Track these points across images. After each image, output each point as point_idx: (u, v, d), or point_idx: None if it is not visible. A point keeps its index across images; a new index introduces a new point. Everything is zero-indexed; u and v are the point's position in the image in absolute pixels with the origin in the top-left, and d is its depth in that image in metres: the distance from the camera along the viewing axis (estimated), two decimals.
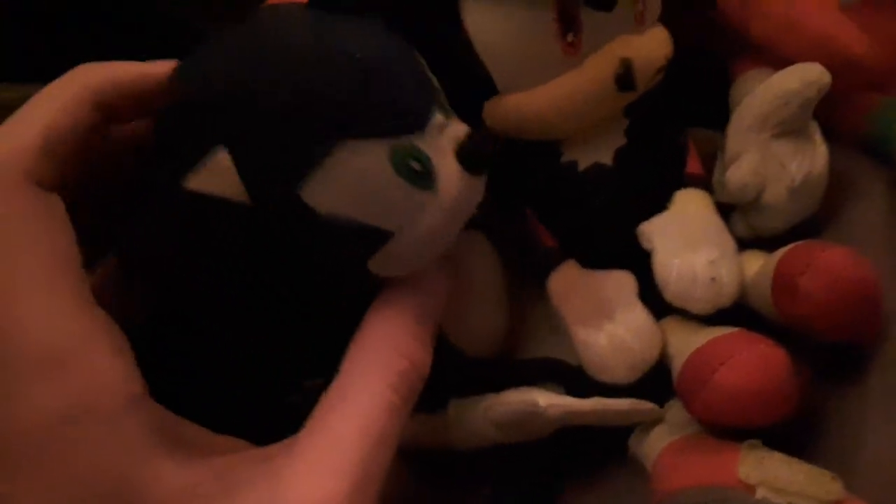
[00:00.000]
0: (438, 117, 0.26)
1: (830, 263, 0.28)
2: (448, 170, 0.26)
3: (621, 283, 0.33)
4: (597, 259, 0.34)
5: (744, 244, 0.34)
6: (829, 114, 0.37)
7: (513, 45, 0.31)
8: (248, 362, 0.29)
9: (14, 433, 0.20)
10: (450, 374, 0.31)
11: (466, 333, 0.32)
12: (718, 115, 0.38)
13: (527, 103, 0.32)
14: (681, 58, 0.35)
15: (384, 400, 0.24)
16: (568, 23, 0.31)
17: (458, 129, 0.27)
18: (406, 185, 0.25)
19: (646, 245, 0.33)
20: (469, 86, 0.32)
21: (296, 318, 0.29)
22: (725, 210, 0.35)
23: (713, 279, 0.31)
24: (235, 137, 0.23)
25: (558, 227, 0.35)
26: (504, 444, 0.32)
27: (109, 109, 0.24)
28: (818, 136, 0.35)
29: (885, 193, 0.36)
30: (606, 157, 0.34)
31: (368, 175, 0.24)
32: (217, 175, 0.23)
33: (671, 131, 0.36)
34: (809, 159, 0.33)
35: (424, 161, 0.25)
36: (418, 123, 0.25)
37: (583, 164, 0.34)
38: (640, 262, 0.33)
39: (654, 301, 0.33)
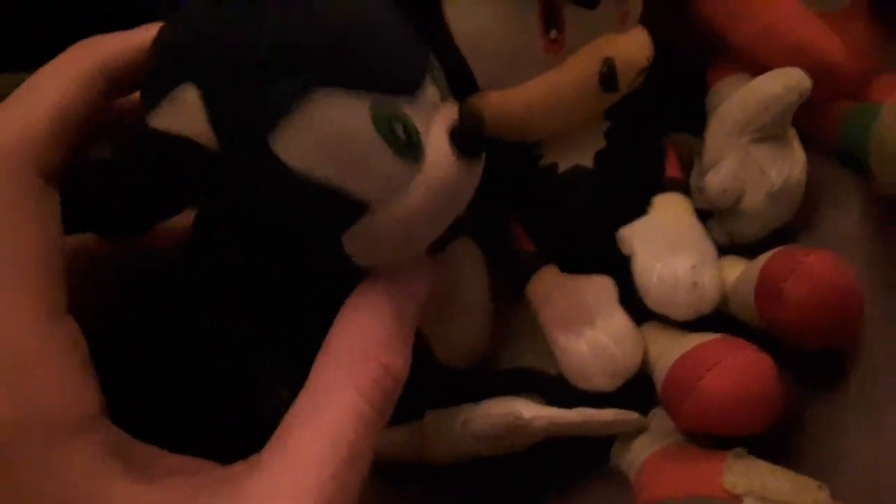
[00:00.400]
0: (432, 91, 0.24)
1: (815, 268, 0.27)
2: (438, 147, 0.23)
3: (601, 288, 0.32)
4: (577, 263, 0.33)
5: (721, 250, 0.34)
6: (805, 121, 0.38)
7: (495, 41, 0.30)
8: (217, 355, 0.27)
9: None
10: (426, 385, 0.30)
11: (449, 343, 0.31)
12: (695, 120, 0.37)
13: (508, 101, 0.31)
14: (659, 61, 0.35)
15: (356, 410, 0.22)
16: (551, 19, 0.30)
17: (453, 111, 0.25)
18: (389, 151, 0.22)
19: (626, 250, 0.33)
20: (452, 82, 0.31)
21: (270, 305, 0.26)
22: (703, 216, 0.35)
23: (695, 284, 0.30)
24: (205, 76, 0.21)
25: (538, 230, 0.34)
26: (483, 456, 0.31)
27: (118, 83, 0.23)
28: (796, 143, 0.35)
29: (859, 202, 0.36)
30: (587, 160, 0.33)
31: (346, 131, 0.22)
32: (182, 112, 0.21)
33: (651, 135, 0.36)
34: (788, 165, 0.33)
35: (411, 128, 0.23)
36: (406, 87, 0.23)
37: (563, 167, 0.33)
38: (620, 267, 0.33)
39: (635, 307, 0.32)
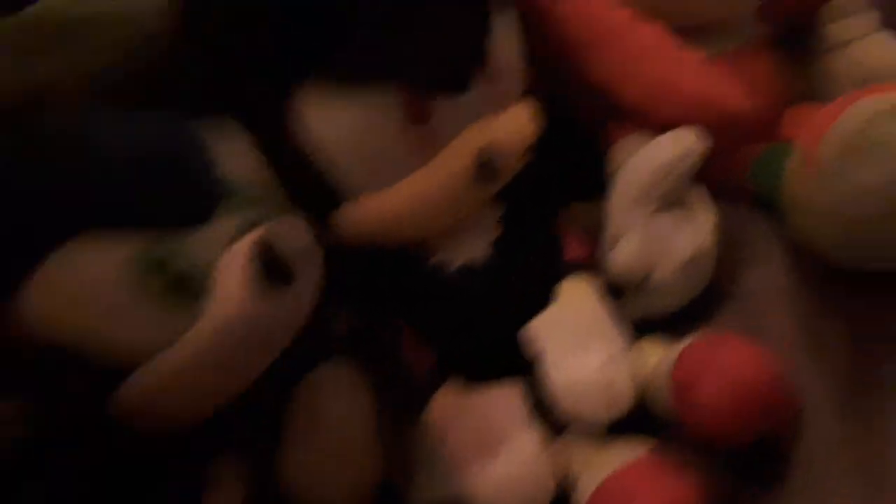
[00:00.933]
0: (230, 220, 0.22)
1: (727, 367, 0.25)
2: (231, 283, 0.21)
3: (508, 402, 0.29)
4: (482, 367, 0.30)
5: (639, 326, 0.32)
6: (715, 171, 0.35)
7: (359, 144, 0.27)
8: None
9: None
10: None
11: (324, 487, 0.27)
12: (597, 185, 0.35)
13: (381, 207, 0.28)
14: (556, 128, 0.32)
15: None
16: (417, 113, 0.27)
17: (257, 237, 0.22)
18: (151, 303, 0.20)
19: (532, 351, 0.29)
20: (316, 191, 0.28)
21: None
22: (616, 290, 0.32)
23: (608, 385, 0.27)
24: None
25: (436, 337, 0.31)
26: None
27: None
28: (703, 205, 0.32)
29: (781, 255, 0.33)
30: (480, 252, 0.31)
31: (102, 280, 0.20)
32: None
33: (551, 211, 0.33)
34: (695, 232, 0.31)
35: (186, 269, 0.21)
36: (184, 221, 0.21)
37: (455, 264, 0.30)
38: (529, 366, 0.29)
39: (546, 409, 0.29)
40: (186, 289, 0.21)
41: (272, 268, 0.22)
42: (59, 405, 0.22)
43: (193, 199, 0.22)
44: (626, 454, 0.27)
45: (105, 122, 0.23)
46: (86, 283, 0.20)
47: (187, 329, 0.21)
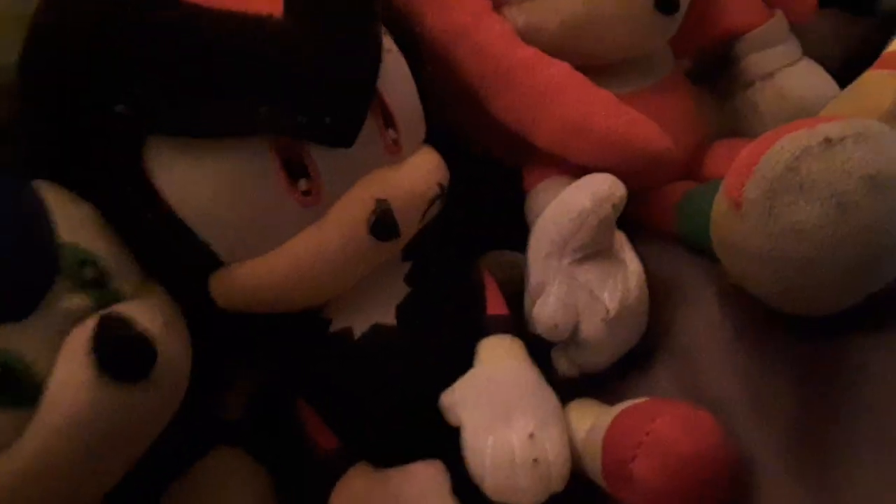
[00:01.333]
0: (69, 300, 0.19)
1: (662, 439, 0.22)
2: (70, 376, 0.18)
3: (426, 483, 0.25)
4: (394, 447, 0.27)
5: (571, 383, 0.29)
6: (641, 211, 0.33)
7: (232, 207, 0.24)
8: None
9: None
10: None
11: None
12: (516, 232, 0.32)
13: (261, 272, 0.24)
14: (473, 173, 0.29)
15: None
16: (297, 169, 0.24)
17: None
18: None
19: (452, 421, 0.26)
20: (183, 258, 0.24)
21: None
22: (545, 346, 0.29)
23: (536, 461, 0.24)
24: None
25: (341, 415, 0.27)
26: None
27: None
28: (627, 253, 0.30)
29: (716, 296, 0.31)
30: (387, 316, 0.27)
31: None
32: None
33: (464, 265, 0.30)
34: (622, 283, 0.28)
35: (13, 365, 0.18)
36: (8, 311, 0.18)
37: (359, 330, 0.27)
38: (449, 440, 0.26)
39: (469, 489, 0.25)
40: (15, 386, 0.18)
41: (119, 358, 0.18)
42: None
43: (20, 280, 0.19)
44: None
45: None
46: None
47: (19, 434, 0.18)
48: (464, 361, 0.27)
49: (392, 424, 0.27)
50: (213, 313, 0.25)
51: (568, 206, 0.27)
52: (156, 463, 0.22)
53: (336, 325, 0.27)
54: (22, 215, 0.20)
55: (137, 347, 0.19)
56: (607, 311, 0.27)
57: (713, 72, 0.40)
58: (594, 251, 0.28)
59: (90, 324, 0.19)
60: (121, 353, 0.19)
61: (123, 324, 0.19)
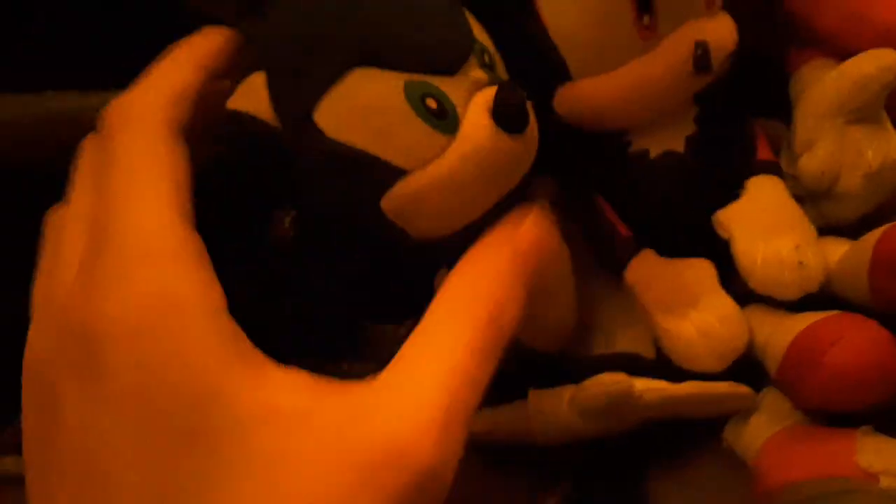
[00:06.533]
0: (476, 72, 0.26)
1: (854, 343, 0.27)
2: (477, 121, 0.25)
3: (702, 270, 0.32)
4: (672, 248, 0.33)
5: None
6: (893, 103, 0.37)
7: (589, 30, 0.30)
8: (275, 328, 0.28)
9: (113, 317, 0.21)
10: (521, 368, 0.30)
11: (533, 324, 0.31)
12: (778, 105, 0.37)
13: (601, 89, 0.31)
14: (742, 48, 0.35)
15: (471, 343, 0.23)
16: (644, 5, 0.30)
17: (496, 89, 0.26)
18: (420, 122, 0.25)
19: (724, 234, 0.32)
20: (543, 71, 0.31)
21: (328, 278, 0.28)
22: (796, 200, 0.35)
23: (800, 263, 0.30)
24: (267, 62, 0.26)
25: (632, 216, 0.34)
26: (586, 436, 0.30)
27: (219, 70, 0.27)
28: (889, 124, 0.34)
29: None
30: (677, 145, 0.33)
31: (379, 104, 0.25)
32: (250, 94, 0.25)
33: (741, 118, 0.35)
34: (885, 145, 0.33)
35: (443, 101, 0.25)
36: (443, 67, 0.26)
37: (654, 153, 0.33)
38: (716, 251, 0.32)
39: (734, 291, 0.32)
40: (444, 119, 0.25)
41: (511, 113, 0.25)
42: (338, 197, 0.26)
43: (451, 47, 0.26)
44: (817, 316, 0.29)
45: None
46: (370, 103, 0.25)
47: (444, 149, 0.25)
48: (735, 190, 0.33)
49: (674, 231, 0.33)
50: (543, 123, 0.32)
51: (852, 71, 0.32)
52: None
53: (636, 146, 0.33)
54: (453, 5, 0.27)
55: (521, 109, 0.25)
56: (869, 167, 0.32)
57: None
58: (865, 115, 0.33)
59: (491, 90, 0.25)
60: (510, 112, 0.25)
61: (514, 91, 0.25)
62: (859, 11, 0.35)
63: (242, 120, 0.25)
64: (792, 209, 0.33)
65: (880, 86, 0.32)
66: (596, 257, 0.34)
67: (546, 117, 0.31)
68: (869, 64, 0.32)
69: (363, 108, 0.25)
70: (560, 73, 0.32)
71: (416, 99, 0.25)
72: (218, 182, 0.28)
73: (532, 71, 0.31)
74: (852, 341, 0.26)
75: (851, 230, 0.34)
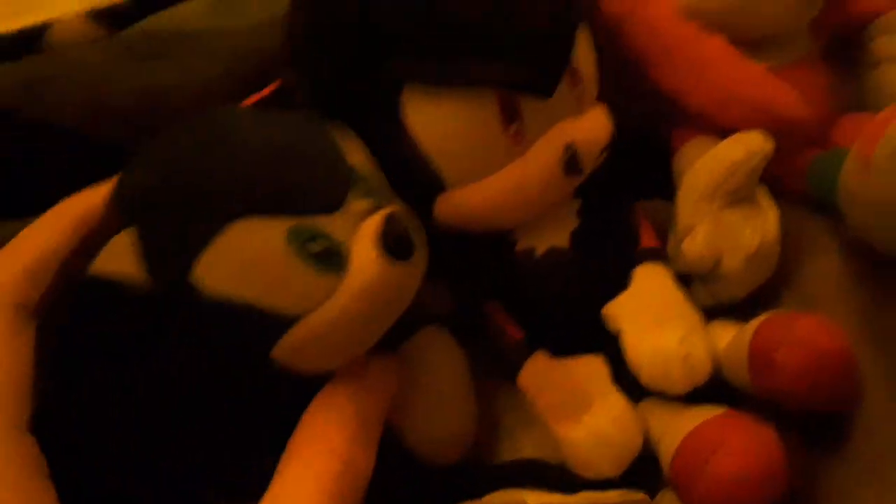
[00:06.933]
0: (359, 203, 0.26)
1: (806, 335, 0.27)
2: (364, 255, 0.25)
3: (594, 369, 0.32)
4: (567, 344, 0.33)
5: (708, 312, 0.34)
6: (772, 171, 0.38)
7: (458, 140, 0.30)
8: (153, 476, 0.27)
9: None
10: (416, 483, 0.30)
11: (427, 435, 0.31)
12: (663, 184, 0.38)
13: (477, 198, 0.31)
14: (623, 131, 0.35)
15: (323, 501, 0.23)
16: (510, 113, 0.30)
17: (381, 217, 0.26)
18: (306, 268, 0.24)
19: (613, 328, 0.32)
20: (417, 182, 0.31)
21: (207, 425, 0.27)
22: (685, 279, 0.35)
23: (686, 357, 0.30)
24: (140, 219, 0.24)
25: (523, 315, 0.34)
26: None
27: (93, 231, 0.26)
28: (766, 200, 0.35)
29: (838, 250, 0.36)
30: (562, 240, 0.34)
31: (263, 255, 0.24)
32: (116, 256, 0.24)
33: (623, 206, 0.36)
34: (761, 226, 0.33)
35: (328, 241, 0.25)
36: (325, 206, 0.25)
37: (540, 250, 0.33)
38: (609, 343, 0.32)
39: (630, 383, 0.32)
40: (330, 260, 0.25)
41: (397, 241, 0.25)
42: (230, 352, 0.25)
43: (331, 185, 0.26)
44: (705, 414, 0.29)
45: (247, 119, 0.27)
46: (253, 255, 0.24)
47: (333, 292, 0.25)
48: (622, 281, 0.34)
49: (565, 326, 0.33)
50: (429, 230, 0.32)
51: (722, 157, 0.33)
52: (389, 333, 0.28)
53: (522, 245, 0.33)
54: (330, 141, 0.28)
55: (406, 236, 0.26)
56: (748, 249, 0.33)
57: (844, 51, 0.44)
58: (739, 197, 0.33)
59: (380, 215, 0.26)
60: (399, 238, 0.25)
61: (398, 219, 0.26)
62: (728, 89, 0.36)
63: (105, 286, 0.24)
64: (677, 298, 0.33)
65: (750, 170, 0.33)
66: (493, 361, 0.34)
67: (431, 224, 0.31)
68: (737, 149, 0.33)
69: (246, 260, 0.24)
70: (435, 183, 0.31)
71: (301, 244, 0.24)
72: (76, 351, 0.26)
73: (410, 183, 0.31)
74: (734, 448, 0.26)
75: (743, 307, 0.35)
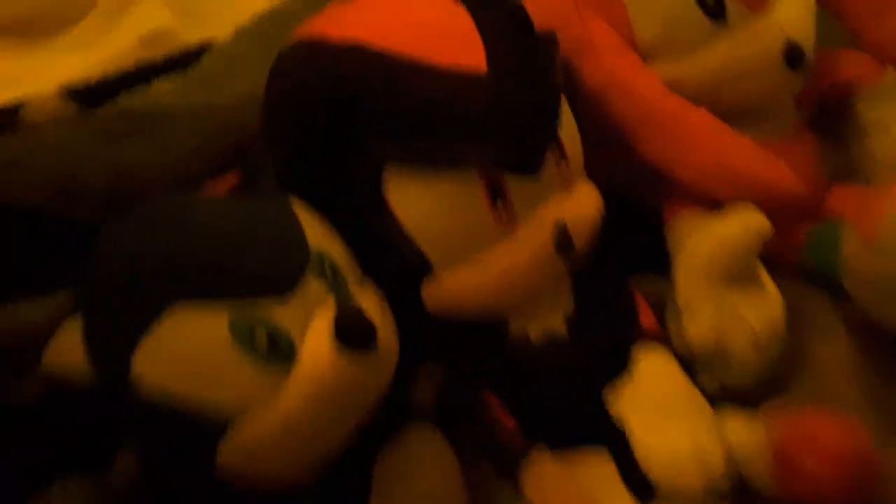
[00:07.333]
0: (313, 285, 0.24)
1: (832, 441, 0.26)
2: (316, 344, 0.23)
3: (599, 470, 0.29)
4: (566, 433, 0.31)
5: (711, 397, 0.32)
6: (767, 247, 0.37)
7: (443, 220, 0.29)
8: None
9: None
10: None
11: None
12: (655, 256, 0.36)
13: (467, 283, 0.29)
14: (613, 205, 0.34)
15: None
16: (496, 192, 0.29)
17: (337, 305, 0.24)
18: (250, 359, 0.22)
19: (619, 424, 0.30)
20: (402, 264, 0.29)
21: None
22: (687, 362, 0.33)
23: (700, 454, 0.28)
24: (84, 306, 0.23)
25: (520, 403, 0.31)
26: None
27: None
28: (765, 277, 0.33)
29: (843, 328, 0.34)
30: (558, 323, 0.32)
31: (202, 345, 0.22)
32: (64, 346, 0.23)
33: (617, 282, 0.34)
34: (765, 307, 0.32)
35: (276, 332, 0.23)
36: (275, 289, 0.23)
37: (535, 335, 0.31)
38: (610, 431, 0.30)
39: (636, 479, 0.29)
40: (277, 351, 0.23)
41: (357, 329, 0.23)
42: (168, 455, 0.23)
43: (283, 266, 0.24)
44: None
45: (201, 203, 0.26)
46: (191, 345, 0.22)
47: (281, 384, 0.23)
48: (622, 363, 0.31)
49: (564, 415, 0.31)
50: (416, 317, 0.29)
51: (719, 236, 0.32)
52: (365, 433, 0.26)
53: (515, 331, 0.31)
54: (288, 220, 0.26)
55: (366, 326, 0.23)
56: (755, 334, 0.31)
57: (831, 121, 0.44)
58: (739, 277, 0.32)
59: (331, 308, 0.24)
60: (354, 330, 0.23)
61: (355, 309, 0.24)
62: (717, 162, 0.35)
63: (53, 380, 0.23)
64: (683, 386, 0.31)
65: (747, 249, 0.31)
66: (487, 458, 0.31)
67: (419, 309, 0.29)
68: (734, 228, 0.32)
69: (185, 351, 0.22)
70: (420, 265, 0.29)
71: (244, 334, 0.22)
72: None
73: (394, 265, 0.29)
74: None
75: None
